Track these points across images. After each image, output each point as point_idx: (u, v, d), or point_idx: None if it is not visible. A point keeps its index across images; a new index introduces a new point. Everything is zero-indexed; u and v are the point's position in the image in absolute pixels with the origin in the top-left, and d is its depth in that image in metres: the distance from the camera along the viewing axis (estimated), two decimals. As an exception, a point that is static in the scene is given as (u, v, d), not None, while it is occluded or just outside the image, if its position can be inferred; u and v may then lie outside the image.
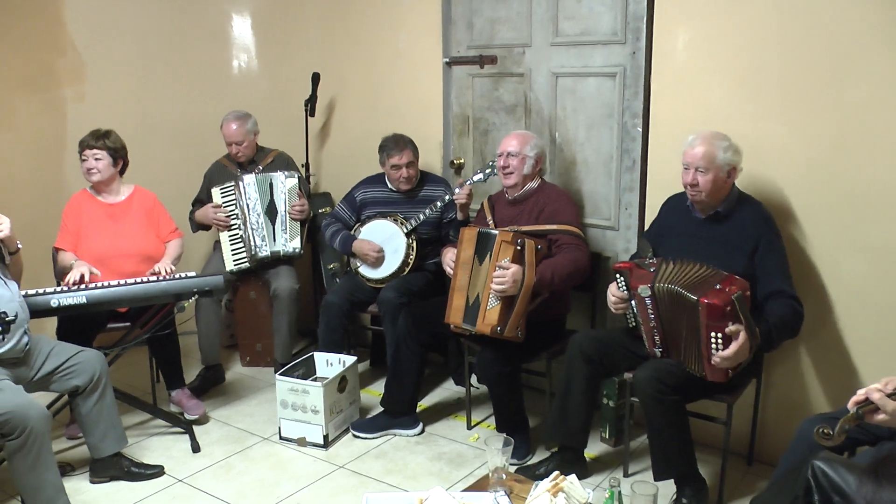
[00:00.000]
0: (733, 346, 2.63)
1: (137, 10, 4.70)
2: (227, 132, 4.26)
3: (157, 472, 3.33)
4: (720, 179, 2.90)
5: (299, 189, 4.28)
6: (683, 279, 2.80)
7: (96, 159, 3.65)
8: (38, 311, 3.13)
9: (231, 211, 4.22)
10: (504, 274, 3.14)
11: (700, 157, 2.87)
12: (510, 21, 3.87)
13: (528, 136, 3.49)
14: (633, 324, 3.02)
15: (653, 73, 3.38)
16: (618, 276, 2.98)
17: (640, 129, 3.50)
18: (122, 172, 3.79)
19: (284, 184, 4.25)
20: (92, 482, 3.26)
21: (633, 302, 2.96)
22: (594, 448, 3.48)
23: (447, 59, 4.13)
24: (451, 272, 3.45)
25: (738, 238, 2.91)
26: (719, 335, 2.65)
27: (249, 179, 4.22)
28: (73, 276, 3.36)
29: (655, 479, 2.82)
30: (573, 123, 3.74)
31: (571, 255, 3.27)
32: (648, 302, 2.86)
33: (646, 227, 3.40)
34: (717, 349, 2.67)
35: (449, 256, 3.51)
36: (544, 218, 3.39)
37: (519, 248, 3.18)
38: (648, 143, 3.45)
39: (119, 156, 3.72)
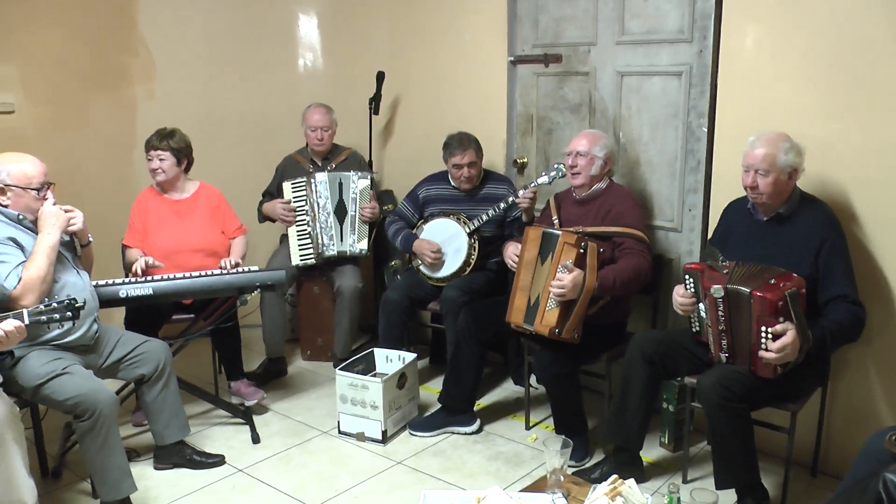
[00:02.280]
0: (779, 343, 2.58)
1: (206, 11, 4.82)
2: (314, 117, 4.29)
3: (218, 461, 3.41)
4: (781, 181, 2.82)
5: (371, 190, 4.32)
6: (755, 282, 2.73)
7: (160, 160, 3.74)
8: (107, 301, 3.25)
9: (300, 207, 4.28)
10: (564, 278, 3.11)
11: (760, 159, 2.81)
12: (576, 19, 3.83)
13: (597, 135, 3.45)
14: (697, 328, 2.97)
15: (719, 72, 3.31)
16: (687, 277, 2.92)
17: (706, 130, 3.44)
18: (186, 170, 3.88)
19: (356, 184, 4.29)
20: (155, 468, 3.36)
21: (701, 305, 2.90)
22: (652, 452, 3.44)
23: (512, 58, 4.12)
24: (512, 265, 3.44)
25: (801, 240, 2.83)
26: (769, 330, 2.61)
27: (322, 178, 4.27)
28: (137, 266, 3.48)
29: (717, 488, 2.76)
30: (637, 123, 3.69)
31: (634, 262, 3.23)
32: (720, 304, 2.80)
33: (710, 229, 3.33)
34: (766, 343, 2.62)
35: (511, 250, 3.50)
36: (610, 219, 3.36)
37: (581, 251, 3.15)
38: (714, 144, 3.38)
39: (183, 155, 3.80)
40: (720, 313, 2.81)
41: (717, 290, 2.79)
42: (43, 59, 4.27)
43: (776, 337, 2.61)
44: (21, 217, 2.91)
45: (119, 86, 4.66)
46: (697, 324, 2.96)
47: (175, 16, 4.75)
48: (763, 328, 2.63)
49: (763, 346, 2.64)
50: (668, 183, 3.64)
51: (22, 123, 4.20)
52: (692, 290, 2.92)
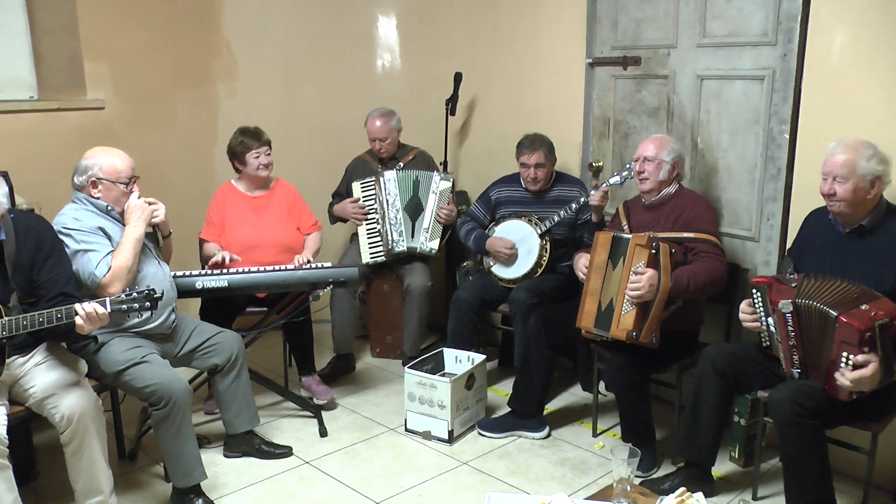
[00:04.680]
0: (857, 374, 2.48)
1: (288, 14, 4.92)
2: (372, 128, 4.35)
3: (285, 452, 3.48)
4: (862, 190, 2.71)
5: (451, 193, 4.34)
6: (828, 296, 2.64)
7: (268, 154, 3.85)
8: (185, 292, 3.34)
9: (370, 206, 4.34)
10: (640, 279, 3.07)
11: (840, 165, 2.71)
12: (656, 21, 3.77)
13: (665, 140, 3.39)
14: (768, 343, 2.88)
15: (804, 76, 3.20)
16: (754, 291, 2.84)
17: (788, 136, 3.33)
18: None
19: (438, 185, 4.32)
20: (225, 456, 3.45)
21: (769, 319, 2.82)
22: (722, 467, 3.35)
23: (590, 60, 4.07)
24: (583, 277, 3.41)
25: (884, 254, 2.71)
26: (850, 357, 2.50)
27: (390, 175, 4.32)
28: (215, 259, 3.58)
29: (788, 508, 2.69)
30: (716, 128, 3.61)
31: (709, 264, 3.16)
32: (789, 318, 2.72)
33: (789, 239, 3.23)
34: (843, 369, 2.52)
35: (582, 262, 3.46)
36: (681, 225, 3.30)
37: (653, 252, 3.10)
38: (795, 151, 3.28)
39: (271, 149, 3.91)
40: (790, 328, 2.73)
41: (785, 304, 2.70)
42: (132, 59, 4.44)
43: (856, 366, 2.50)
44: (109, 208, 3.03)
45: (202, 85, 4.80)
46: (767, 338, 2.88)
47: (257, 17, 4.87)
48: (844, 353, 2.53)
49: (840, 370, 2.54)
50: (747, 191, 3.54)
51: (111, 119, 4.37)
52: (759, 304, 2.84)
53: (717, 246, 3.23)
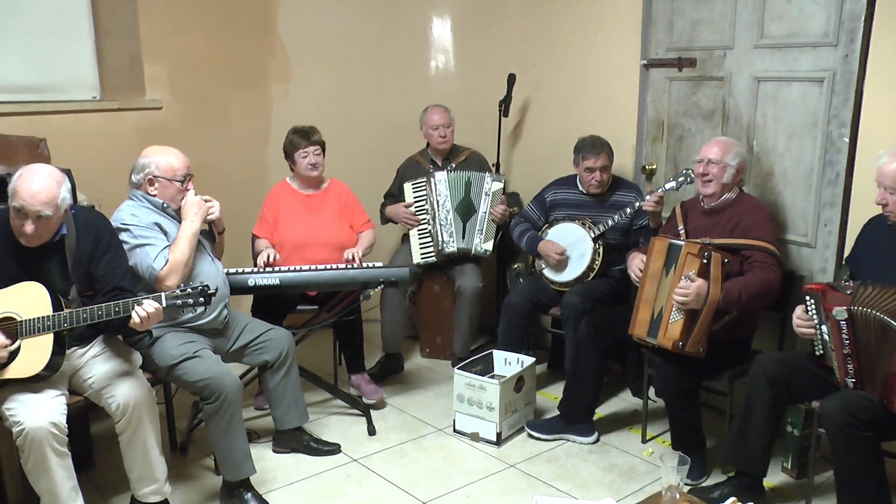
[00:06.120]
0: None
1: (343, 14, 4.97)
2: (433, 118, 4.37)
3: (334, 449, 3.51)
4: None
5: (503, 194, 4.34)
6: (888, 304, 2.56)
7: (317, 154, 3.89)
8: (237, 289, 3.41)
9: (421, 207, 4.35)
10: (687, 286, 3.03)
11: (887, 176, 2.64)
12: (712, 22, 3.71)
13: (730, 143, 3.33)
14: (821, 352, 2.80)
15: (867, 78, 3.12)
16: (807, 298, 2.77)
17: (847, 140, 3.24)
18: None
19: (490, 185, 4.32)
20: (274, 451, 3.50)
21: (823, 327, 2.74)
22: (775, 477, 3.28)
23: (645, 62, 4.03)
24: (636, 279, 3.37)
25: None
26: None
27: (441, 176, 4.33)
28: (261, 258, 3.63)
29: (842, 521, 2.62)
30: (772, 132, 3.53)
31: (763, 275, 3.10)
32: (844, 326, 2.64)
33: (846, 246, 3.15)
34: None
35: (636, 263, 3.42)
36: (739, 231, 3.23)
37: (705, 261, 3.05)
38: (855, 156, 3.20)
39: (324, 150, 3.94)
40: (844, 336, 2.65)
41: (839, 312, 2.63)
42: (189, 61, 4.53)
43: None
44: (165, 205, 3.10)
45: (257, 85, 4.88)
46: (821, 347, 2.80)
47: (312, 19, 4.93)
48: None
49: None
50: (803, 196, 3.47)
51: (168, 119, 4.47)
52: (813, 311, 2.77)
53: (773, 256, 3.15)
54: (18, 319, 2.59)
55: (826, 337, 2.74)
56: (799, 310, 2.84)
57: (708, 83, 3.78)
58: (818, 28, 3.31)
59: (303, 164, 3.88)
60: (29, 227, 2.56)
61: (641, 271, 3.34)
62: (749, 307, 3.13)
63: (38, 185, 2.55)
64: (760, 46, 3.53)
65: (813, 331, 2.79)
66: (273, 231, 3.92)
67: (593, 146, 3.86)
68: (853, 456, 2.57)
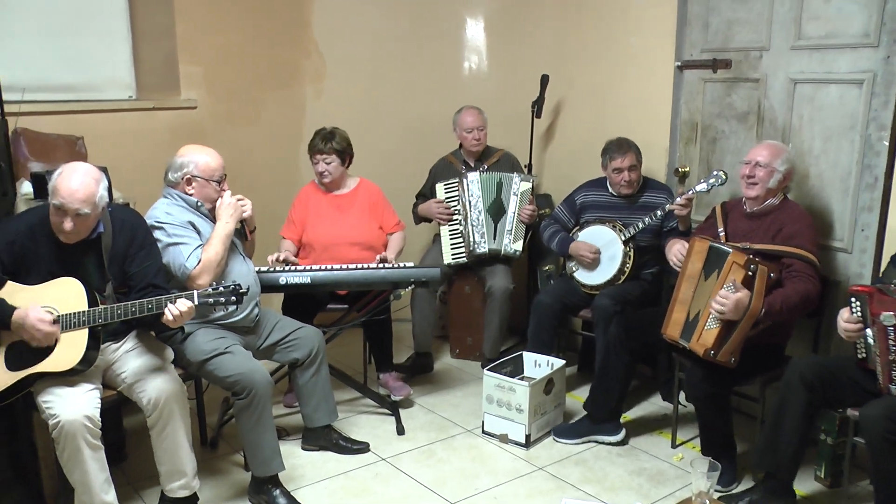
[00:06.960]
0: None
1: (376, 14, 4.99)
2: (466, 119, 4.36)
3: (362, 447, 3.52)
4: None
5: (532, 194, 4.33)
6: None
7: (326, 163, 3.89)
8: (268, 287, 3.43)
9: (453, 207, 4.35)
10: (728, 297, 2.94)
11: None
12: (749, 22, 3.67)
13: (780, 148, 3.27)
14: (864, 355, 2.75)
15: (909, 80, 3.07)
16: (853, 300, 2.70)
17: (887, 143, 3.18)
18: (347, 166, 4.01)
19: (518, 186, 4.32)
20: (303, 449, 3.52)
21: (868, 331, 2.68)
22: (807, 486, 3.23)
23: (679, 63, 3.99)
24: (676, 263, 3.32)
25: None
26: None
27: (473, 177, 4.33)
28: (272, 256, 3.68)
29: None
30: (809, 134, 3.48)
31: (802, 287, 3.02)
32: (891, 332, 2.59)
33: (885, 251, 3.09)
34: None
35: (676, 248, 3.37)
36: (781, 238, 3.16)
37: (750, 273, 2.96)
38: (895, 160, 3.14)
39: (346, 154, 3.94)
40: (891, 342, 2.59)
41: (887, 317, 2.58)
42: (225, 60, 4.58)
43: None
44: (199, 204, 3.13)
45: (290, 85, 4.92)
46: (864, 350, 2.74)
47: (346, 18, 4.96)
48: None
49: None
50: (840, 199, 3.41)
51: (202, 118, 4.51)
52: (858, 314, 2.71)
53: (813, 266, 3.08)
54: (56, 314, 2.63)
55: (871, 341, 2.68)
56: (845, 313, 2.75)
57: (743, 84, 3.74)
58: (858, 28, 3.25)
59: (315, 171, 3.93)
60: (68, 225, 2.61)
61: (679, 261, 3.30)
62: (787, 318, 3.08)
63: (77, 184, 2.59)
64: (797, 47, 3.48)
65: (860, 332, 2.72)
66: (300, 233, 3.94)
67: (619, 146, 3.84)
68: (893, 465, 2.52)
